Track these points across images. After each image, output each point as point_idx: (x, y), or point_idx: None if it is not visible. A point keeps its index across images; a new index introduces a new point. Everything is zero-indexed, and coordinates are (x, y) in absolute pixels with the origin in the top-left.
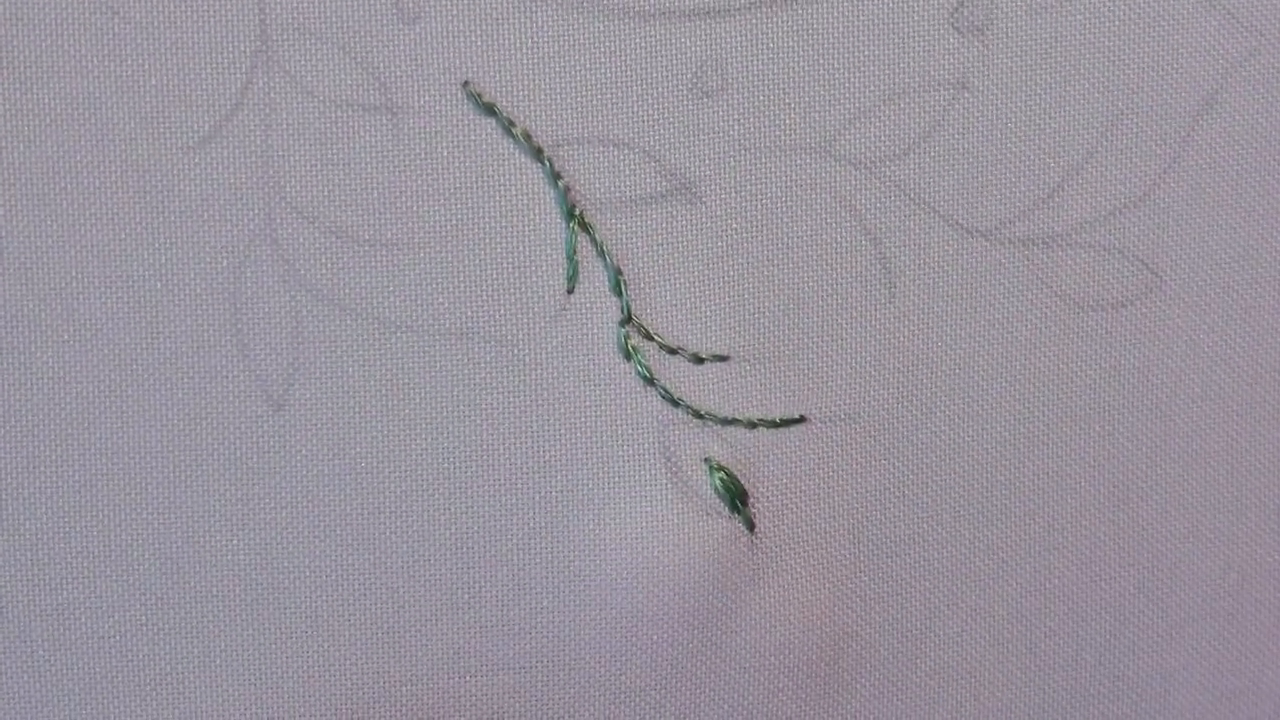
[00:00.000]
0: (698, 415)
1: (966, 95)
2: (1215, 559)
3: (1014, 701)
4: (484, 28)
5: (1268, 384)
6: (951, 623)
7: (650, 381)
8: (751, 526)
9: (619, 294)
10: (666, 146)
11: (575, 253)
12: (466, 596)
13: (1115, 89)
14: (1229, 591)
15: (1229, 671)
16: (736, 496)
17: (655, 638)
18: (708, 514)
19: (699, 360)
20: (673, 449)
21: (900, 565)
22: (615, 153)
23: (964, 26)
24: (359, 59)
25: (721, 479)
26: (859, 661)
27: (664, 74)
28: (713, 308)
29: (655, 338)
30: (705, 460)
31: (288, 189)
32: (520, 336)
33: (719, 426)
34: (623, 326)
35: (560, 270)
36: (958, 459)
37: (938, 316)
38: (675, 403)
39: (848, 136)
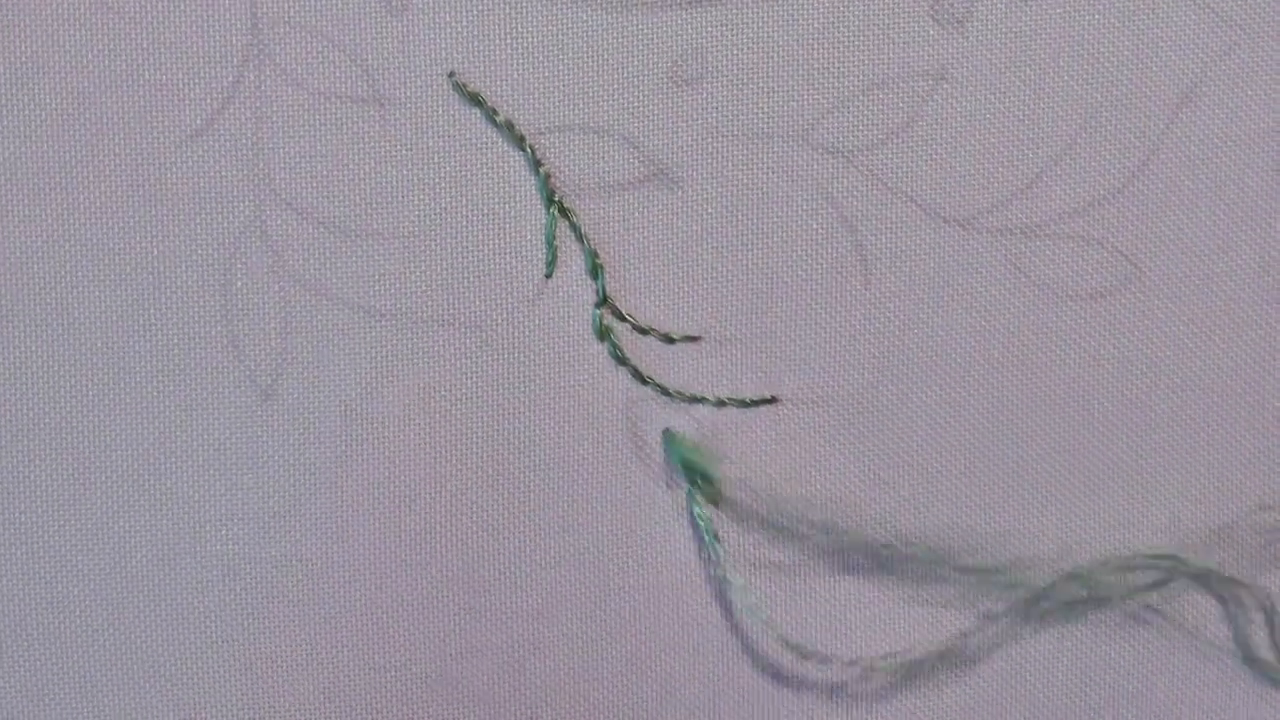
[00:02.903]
0: (665, 393)
1: (945, 86)
2: (1195, 549)
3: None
4: (469, 19)
5: (1246, 374)
6: (925, 609)
7: (622, 361)
8: (716, 502)
9: (595, 277)
10: (645, 133)
11: (555, 238)
12: (446, 580)
13: (1094, 81)
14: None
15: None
16: (700, 472)
17: (628, 613)
18: (673, 488)
19: (670, 340)
20: (639, 426)
21: (871, 548)
22: (595, 140)
23: (944, 18)
24: (348, 51)
25: (685, 454)
26: (832, 635)
27: (643, 62)
28: (688, 291)
29: (628, 318)
30: (666, 433)
31: (277, 181)
32: (500, 321)
33: (686, 404)
34: (598, 309)
35: (540, 256)
36: (931, 446)
37: (913, 304)
38: (644, 381)
39: (826, 125)
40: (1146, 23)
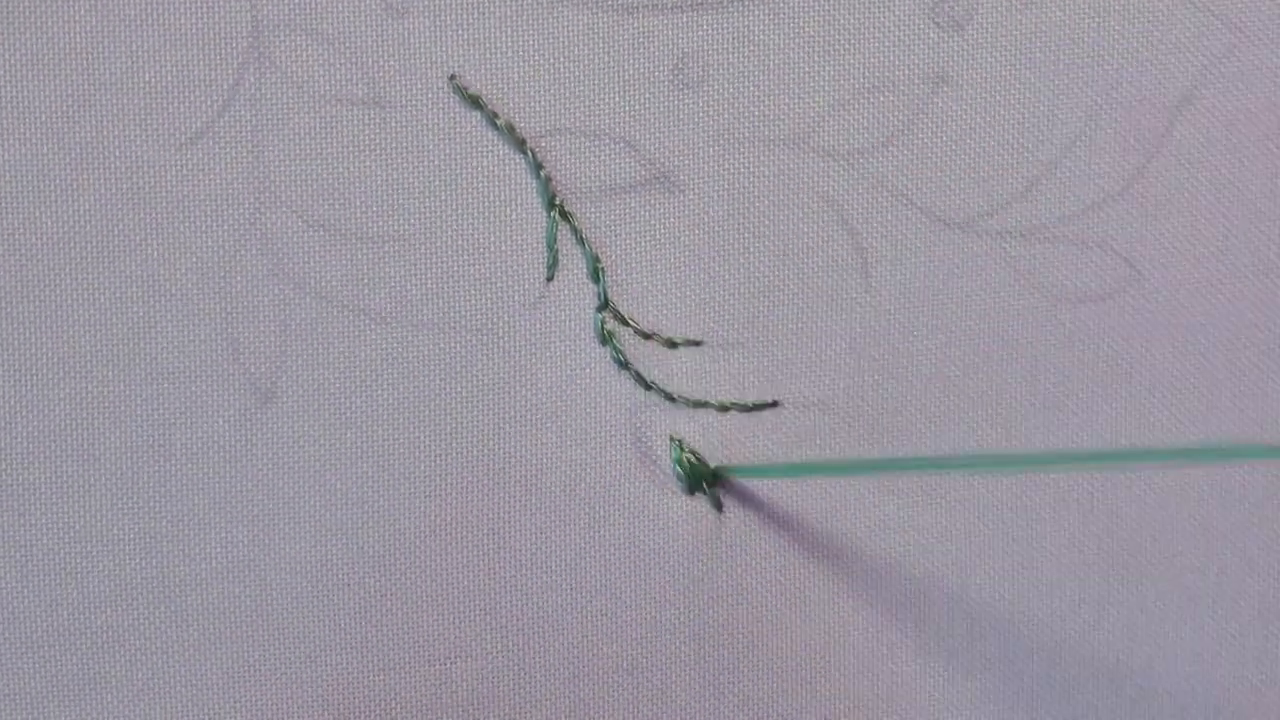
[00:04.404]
0: (669, 398)
1: (945, 89)
2: (1195, 551)
3: (992, 689)
4: (470, 22)
5: (1245, 377)
6: (928, 610)
7: (624, 365)
8: (719, 507)
9: (596, 281)
10: (647, 137)
11: (555, 242)
12: (443, 582)
13: (1094, 83)
14: (1209, 583)
15: (1209, 662)
16: (704, 478)
17: (627, 619)
18: (677, 495)
19: (673, 345)
20: (644, 431)
21: (875, 552)
22: (596, 143)
23: (944, 21)
24: (348, 54)
25: (689, 460)
26: (832, 645)
27: (645, 66)
28: (690, 295)
29: (630, 323)
30: (671, 439)
31: (277, 184)
32: (500, 325)
33: (690, 409)
34: (599, 313)
35: (540, 259)
36: (932, 449)
37: (914, 307)
38: (648, 386)
39: (826, 128)
40: (1146, 25)
